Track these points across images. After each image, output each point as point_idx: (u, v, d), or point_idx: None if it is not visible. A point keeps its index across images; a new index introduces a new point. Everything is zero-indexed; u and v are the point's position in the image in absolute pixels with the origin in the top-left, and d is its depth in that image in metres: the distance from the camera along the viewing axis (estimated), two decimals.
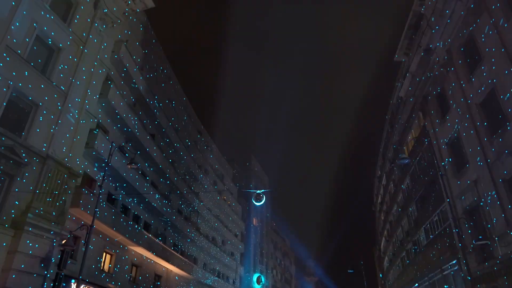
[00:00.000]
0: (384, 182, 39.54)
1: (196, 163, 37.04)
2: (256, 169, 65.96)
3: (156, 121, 27.75)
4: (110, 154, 13.84)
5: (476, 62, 16.14)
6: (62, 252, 13.67)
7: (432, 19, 18.67)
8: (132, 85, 23.98)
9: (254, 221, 61.44)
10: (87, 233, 12.25)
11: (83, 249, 16.45)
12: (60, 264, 13.47)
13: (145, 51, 27.80)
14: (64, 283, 15.96)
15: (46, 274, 11.93)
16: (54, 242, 12.53)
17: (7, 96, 12.50)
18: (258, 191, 11.17)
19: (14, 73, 12.82)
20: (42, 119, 13.77)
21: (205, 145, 43.27)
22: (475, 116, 16.25)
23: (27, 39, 14.07)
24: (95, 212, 13.22)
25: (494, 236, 14.60)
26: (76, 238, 17.49)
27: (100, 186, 13.22)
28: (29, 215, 11.76)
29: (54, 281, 12.97)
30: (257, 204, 11.45)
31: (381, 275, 57.98)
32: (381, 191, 42.15)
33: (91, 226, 12.58)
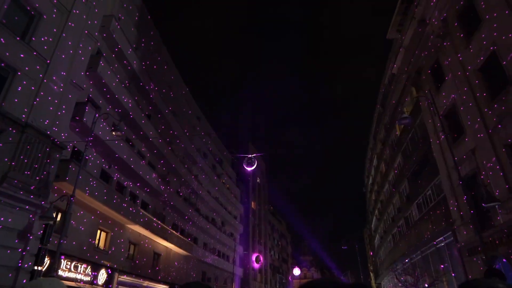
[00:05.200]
0: (375, 163, 37.92)
1: (195, 147, 35.26)
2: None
3: (151, 106, 25.82)
4: (94, 122, 12.01)
5: (474, 29, 14.32)
6: (45, 226, 11.98)
7: None
8: (127, 66, 22.05)
9: (253, 204, 59.93)
10: (67, 203, 10.49)
11: (73, 223, 14.78)
12: (43, 239, 11.79)
13: (142, 40, 25.83)
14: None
15: (22, 251, 10.17)
16: (31, 216, 10.74)
17: None
18: (250, 155, 9.52)
19: None
20: (22, 88, 11.86)
21: (204, 131, 41.45)
22: (473, 85, 14.48)
23: (5, 6, 12.21)
24: (76, 182, 11.41)
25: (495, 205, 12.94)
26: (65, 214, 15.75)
27: (82, 156, 11.42)
28: (3, 185, 9.99)
29: (36, 257, 11.31)
30: (249, 169, 9.83)
31: (371, 253, 56.78)
32: (372, 172, 40.57)
33: (72, 196, 10.82)
